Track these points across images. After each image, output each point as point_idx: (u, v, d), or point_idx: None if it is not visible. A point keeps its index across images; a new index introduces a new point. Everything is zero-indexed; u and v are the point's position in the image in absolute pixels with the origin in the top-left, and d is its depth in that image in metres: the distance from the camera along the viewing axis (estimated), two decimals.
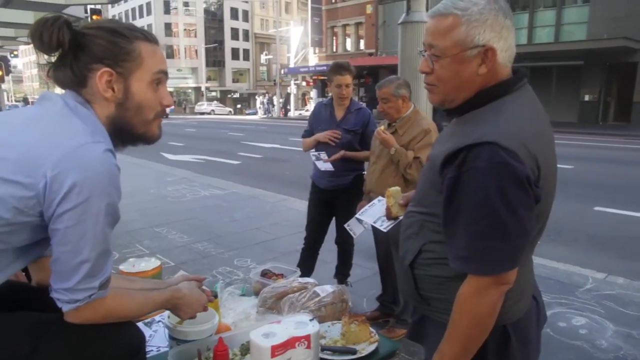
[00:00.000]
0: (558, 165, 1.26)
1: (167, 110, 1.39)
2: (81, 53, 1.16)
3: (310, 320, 1.61)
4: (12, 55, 22.92)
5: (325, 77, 3.36)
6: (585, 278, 3.74)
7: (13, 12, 10.41)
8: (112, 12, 56.58)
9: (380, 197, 1.90)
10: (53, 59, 1.19)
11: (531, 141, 1.09)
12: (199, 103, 49.48)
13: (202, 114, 45.32)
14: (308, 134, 3.42)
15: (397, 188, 1.75)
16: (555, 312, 3.16)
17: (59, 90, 1.26)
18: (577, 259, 4.28)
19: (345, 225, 2.71)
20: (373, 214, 1.89)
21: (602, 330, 2.93)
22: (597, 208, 6.38)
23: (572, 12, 22.26)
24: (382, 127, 2.88)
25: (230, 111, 47.99)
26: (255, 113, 41.56)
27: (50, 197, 1.04)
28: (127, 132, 1.24)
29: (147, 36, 1.23)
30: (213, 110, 46.22)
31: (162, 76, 1.26)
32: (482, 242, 1.08)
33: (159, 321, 2.09)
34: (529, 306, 1.28)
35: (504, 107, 1.15)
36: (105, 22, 1.23)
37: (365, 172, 3.19)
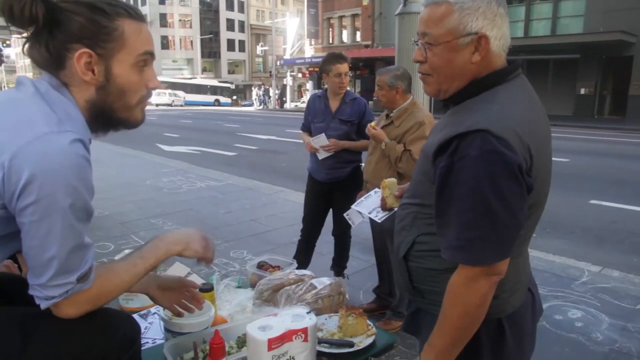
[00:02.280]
0: (554, 159, 1.25)
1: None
2: (57, 30, 1.06)
3: (307, 313, 1.59)
4: (5, 45, 22.68)
5: (320, 66, 3.32)
6: (581, 271, 3.75)
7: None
8: None
9: (376, 189, 1.89)
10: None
11: (524, 130, 1.08)
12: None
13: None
14: (305, 127, 3.41)
15: (393, 179, 1.74)
16: (551, 305, 3.16)
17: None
18: (572, 252, 4.29)
19: (345, 215, 2.70)
20: (368, 205, 1.88)
21: (598, 323, 2.94)
22: (592, 201, 6.40)
23: (569, 5, 22.21)
24: (373, 123, 2.88)
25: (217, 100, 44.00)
26: (251, 105, 41.37)
27: (9, 189, 0.98)
28: (108, 117, 1.16)
29: (130, 12, 1.12)
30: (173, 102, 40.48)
31: (147, 57, 1.16)
32: (472, 232, 1.07)
33: (154, 313, 2.07)
34: (524, 299, 1.28)
35: (497, 96, 1.14)
36: None
37: (363, 164, 3.18)
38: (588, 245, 4.68)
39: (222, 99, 44.32)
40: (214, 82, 47.67)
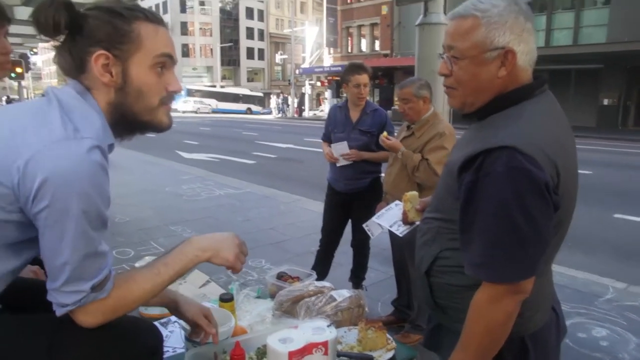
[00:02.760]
0: None
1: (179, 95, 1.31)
2: (79, 36, 1.10)
3: (328, 326, 1.59)
4: (32, 52, 23.29)
5: (340, 76, 3.34)
6: (605, 287, 3.66)
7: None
8: None
9: (397, 202, 1.88)
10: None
11: (551, 147, 1.07)
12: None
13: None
14: (326, 137, 3.42)
15: (415, 193, 1.73)
16: (575, 322, 3.09)
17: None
18: (596, 268, 4.19)
19: (364, 226, 2.69)
20: (389, 218, 1.87)
21: (624, 342, 2.86)
22: (617, 215, 6.26)
23: (592, 14, 21.90)
24: (386, 134, 2.87)
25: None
26: (269, 113, 41.62)
27: (24, 193, 0.99)
28: (130, 119, 1.17)
29: (148, 15, 1.14)
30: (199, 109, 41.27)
31: (166, 60, 1.16)
32: (497, 249, 1.05)
33: (175, 322, 2.09)
34: (548, 318, 1.25)
35: (524, 112, 1.12)
36: (105, 2, 1.14)
37: (382, 175, 3.17)
38: (612, 261, 4.57)
39: (254, 108, 44.81)
40: (246, 91, 48.13)
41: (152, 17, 1.15)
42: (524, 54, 1.13)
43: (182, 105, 40.23)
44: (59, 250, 1.01)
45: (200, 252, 1.25)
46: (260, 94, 46.99)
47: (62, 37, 1.11)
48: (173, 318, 2.12)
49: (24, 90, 20.24)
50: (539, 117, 1.13)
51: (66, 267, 1.02)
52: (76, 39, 1.10)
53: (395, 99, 22.48)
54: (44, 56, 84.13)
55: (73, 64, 1.12)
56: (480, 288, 1.11)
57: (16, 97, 22.74)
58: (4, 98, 29.37)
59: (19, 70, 14.32)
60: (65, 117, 1.04)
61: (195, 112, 40.28)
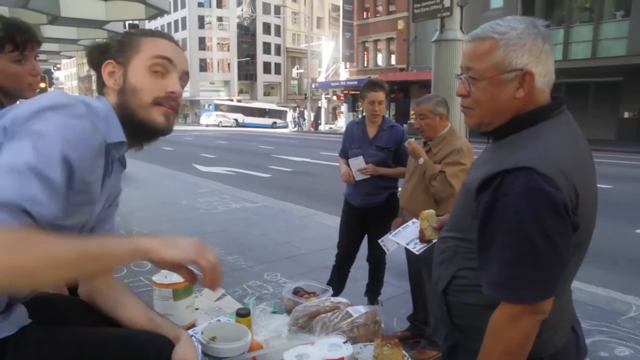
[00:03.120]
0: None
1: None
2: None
3: (344, 342, 1.59)
4: (55, 68, 23.92)
5: (357, 92, 3.39)
6: (628, 305, 3.58)
7: (58, 28, 10.88)
8: (149, 26, 58.50)
9: (414, 220, 1.88)
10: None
11: (570, 168, 1.07)
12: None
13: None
14: (343, 153, 3.44)
15: (432, 211, 1.73)
16: (596, 341, 3.02)
17: None
18: (617, 284, 4.10)
19: (380, 241, 2.69)
20: (406, 236, 1.87)
21: None
22: (638, 231, 6.13)
23: (610, 27, 21.69)
24: (413, 139, 2.87)
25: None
26: (286, 126, 41.93)
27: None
28: (129, 119, 1.19)
29: (155, 34, 1.27)
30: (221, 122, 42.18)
31: (164, 62, 1.20)
32: (516, 269, 1.05)
33: (192, 336, 2.10)
34: (567, 338, 1.24)
35: (541, 133, 1.13)
36: (127, 30, 1.32)
37: (399, 190, 3.17)
38: (634, 278, 4.47)
39: (279, 122, 45.29)
40: (273, 106, 48.71)
41: (157, 34, 1.26)
42: (541, 75, 1.14)
43: (205, 119, 41.14)
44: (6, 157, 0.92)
45: (143, 239, 0.97)
46: (286, 109, 47.53)
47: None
48: (190, 332, 2.14)
49: None
50: (556, 138, 1.13)
51: None
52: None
53: (412, 112, 22.47)
54: (65, 71, 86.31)
55: (98, 82, 1.25)
56: (499, 308, 1.10)
57: None
58: None
59: (42, 85, 14.72)
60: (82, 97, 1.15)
61: (217, 126, 41.13)
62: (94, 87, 1.35)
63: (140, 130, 1.23)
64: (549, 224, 1.03)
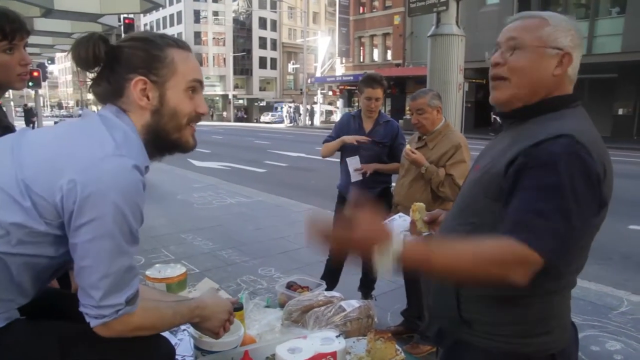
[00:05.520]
0: None
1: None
2: (117, 65, 1.18)
3: (337, 336, 1.59)
4: (49, 62, 23.74)
5: (353, 87, 3.37)
6: (619, 300, 3.61)
7: (52, 21, 10.80)
8: (144, 20, 58.14)
9: (400, 214, 1.88)
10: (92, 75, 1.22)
11: (598, 149, 1.10)
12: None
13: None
14: (331, 139, 3.40)
15: (422, 204, 1.73)
16: (587, 335, 3.04)
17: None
18: (610, 279, 4.13)
19: None
20: (394, 229, 1.86)
21: (639, 356, 2.81)
22: (632, 226, 6.17)
23: (606, 23, 21.72)
24: (409, 147, 2.85)
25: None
26: (281, 122, 41.86)
27: (68, 209, 1.04)
28: (162, 139, 1.23)
29: (178, 43, 1.23)
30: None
31: (197, 85, 1.25)
32: (540, 219, 1.01)
33: (184, 330, 2.10)
34: (572, 333, 1.25)
35: (566, 116, 1.16)
36: (138, 34, 1.26)
37: (393, 185, 3.17)
38: (627, 273, 4.50)
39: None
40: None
41: (181, 44, 1.24)
42: (574, 65, 1.19)
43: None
44: (95, 265, 1.07)
45: (200, 311, 1.39)
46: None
47: (98, 68, 1.20)
48: (182, 327, 2.14)
49: (41, 99, 20.59)
50: (581, 122, 1.17)
51: (104, 280, 1.07)
52: (114, 68, 1.18)
53: (407, 109, 22.46)
54: (60, 65, 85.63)
55: (111, 90, 1.20)
56: (504, 237, 1.03)
57: (32, 104, 23.16)
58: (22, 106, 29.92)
59: (35, 74, 14.62)
60: (107, 134, 1.11)
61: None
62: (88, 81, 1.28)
63: (168, 148, 1.27)
64: (581, 192, 1.03)
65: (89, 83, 1.23)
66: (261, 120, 46.94)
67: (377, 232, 1.06)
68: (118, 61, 1.18)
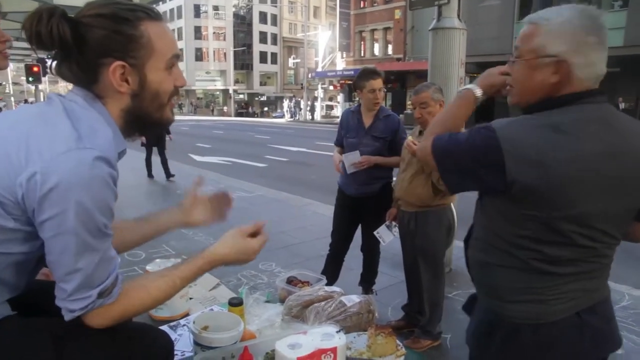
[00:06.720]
0: None
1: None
2: (85, 47, 1.05)
3: (337, 332, 1.57)
4: (49, 57, 23.67)
5: (353, 82, 3.35)
6: (620, 294, 3.60)
7: None
8: None
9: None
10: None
11: (537, 147, 1.12)
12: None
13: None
14: (338, 142, 3.41)
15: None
16: None
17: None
18: (611, 273, 4.10)
19: (375, 233, 2.67)
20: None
21: None
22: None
23: (608, 17, 20.83)
24: (411, 138, 2.83)
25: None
26: (282, 116, 41.81)
27: (29, 206, 1.00)
28: (143, 120, 1.18)
29: (149, 13, 1.12)
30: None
31: (175, 60, 1.17)
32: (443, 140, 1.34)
33: (184, 325, 2.09)
34: (568, 318, 1.24)
35: (552, 114, 1.16)
36: (103, 7, 1.07)
37: (394, 180, 3.15)
38: (628, 267, 4.48)
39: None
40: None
41: (154, 15, 1.13)
42: (582, 66, 1.17)
43: None
44: (61, 261, 1.02)
45: (215, 264, 1.36)
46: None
47: (58, 49, 1.07)
48: (182, 322, 2.13)
49: (41, 94, 20.55)
50: (572, 118, 1.15)
51: (71, 275, 1.03)
52: (83, 49, 1.06)
53: (409, 103, 22.38)
54: None
55: (82, 75, 1.09)
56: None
57: (33, 99, 23.14)
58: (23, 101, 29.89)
59: (35, 69, 14.59)
60: (69, 126, 1.03)
61: None
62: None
63: (147, 127, 1.22)
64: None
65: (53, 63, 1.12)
66: (272, 115, 46.76)
67: None
68: (85, 42, 1.05)
